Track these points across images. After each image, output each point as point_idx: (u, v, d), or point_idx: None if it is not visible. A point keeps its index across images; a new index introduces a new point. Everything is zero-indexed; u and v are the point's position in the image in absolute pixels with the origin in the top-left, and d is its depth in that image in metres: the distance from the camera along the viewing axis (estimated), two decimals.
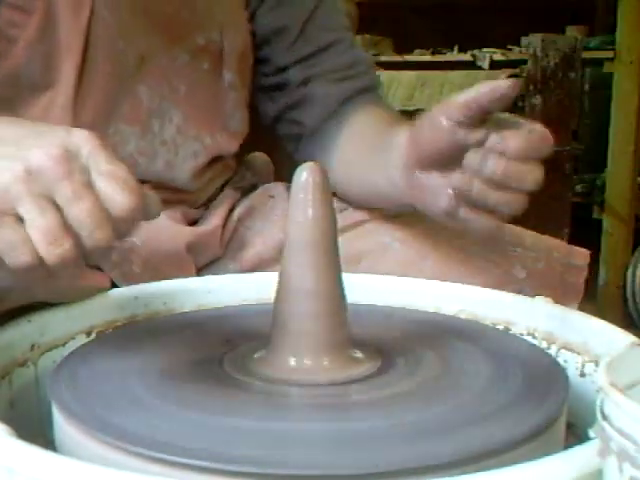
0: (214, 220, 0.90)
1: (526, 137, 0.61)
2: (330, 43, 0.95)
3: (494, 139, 0.61)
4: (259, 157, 1.06)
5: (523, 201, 0.63)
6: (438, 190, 0.65)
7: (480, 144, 0.62)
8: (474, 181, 0.63)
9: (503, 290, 0.76)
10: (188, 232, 0.86)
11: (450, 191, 0.62)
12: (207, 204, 0.94)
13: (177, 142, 0.86)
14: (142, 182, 0.82)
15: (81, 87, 0.77)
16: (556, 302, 0.71)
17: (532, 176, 0.62)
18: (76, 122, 0.77)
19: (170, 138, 0.85)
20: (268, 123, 0.99)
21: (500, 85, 0.60)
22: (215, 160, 0.92)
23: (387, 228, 0.87)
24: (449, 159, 0.64)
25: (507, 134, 0.61)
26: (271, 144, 1.05)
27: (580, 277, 0.83)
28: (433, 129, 0.65)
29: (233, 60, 0.90)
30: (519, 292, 0.78)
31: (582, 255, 0.85)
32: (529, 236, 0.86)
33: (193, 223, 0.91)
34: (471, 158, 0.62)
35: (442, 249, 0.84)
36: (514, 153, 0.60)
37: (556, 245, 0.86)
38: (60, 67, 0.76)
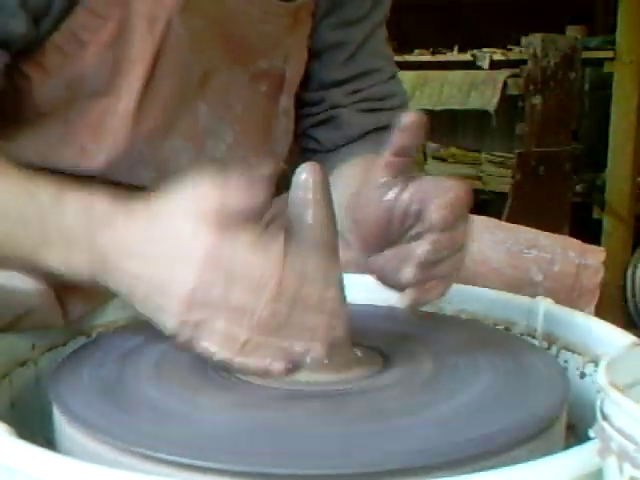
0: None
1: (448, 204, 0.59)
2: (375, 69, 0.97)
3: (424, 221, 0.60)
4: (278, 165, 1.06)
5: (461, 258, 0.62)
6: (396, 266, 0.62)
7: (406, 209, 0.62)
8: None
9: (520, 293, 0.76)
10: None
11: (409, 269, 0.59)
12: None
13: (226, 162, 0.85)
14: None
15: (145, 98, 0.76)
16: (572, 304, 0.71)
17: (462, 236, 0.61)
18: (134, 132, 0.76)
19: (220, 157, 0.85)
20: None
21: (408, 121, 0.60)
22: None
23: None
24: (390, 232, 0.64)
25: (429, 209, 0.59)
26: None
27: (595, 278, 0.83)
28: (366, 207, 0.65)
29: (292, 86, 0.91)
30: (535, 295, 0.78)
31: (596, 253, 0.85)
32: (543, 237, 0.86)
33: None
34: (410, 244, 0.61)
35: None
36: (441, 226, 0.59)
37: (571, 244, 0.86)
38: (127, 76, 0.75)
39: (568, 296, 0.80)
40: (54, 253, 0.59)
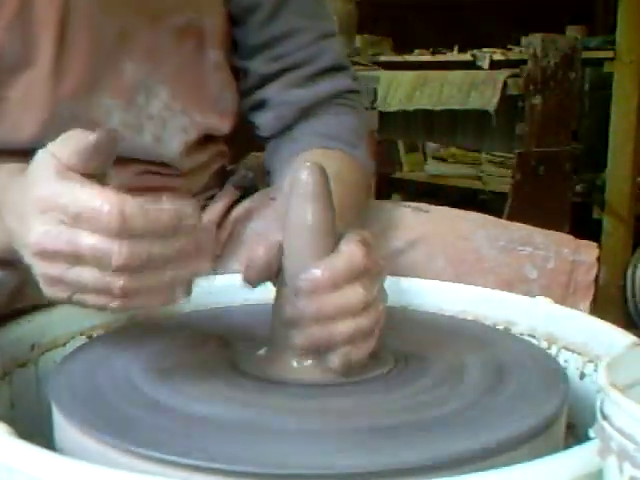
0: (209, 214, 0.90)
1: (330, 267, 0.56)
2: (298, 29, 0.92)
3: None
4: (258, 158, 1.05)
5: (367, 323, 0.57)
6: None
7: None
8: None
9: (514, 290, 0.76)
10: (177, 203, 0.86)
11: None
12: (203, 194, 0.93)
13: (164, 117, 0.85)
14: (129, 161, 0.83)
15: (61, 58, 0.77)
16: (567, 301, 0.71)
17: (352, 297, 0.57)
18: (57, 93, 0.77)
19: (157, 112, 0.85)
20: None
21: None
22: (207, 140, 0.91)
23: (395, 230, 0.87)
24: None
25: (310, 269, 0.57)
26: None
27: (590, 275, 0.83)
28: None
29: (215, 40, 0.89)
30: (529, 292, 0.78)
31: (590, 249, 0.85)
32: (537, 233, 0.86)
33: None
34: None
35: (451, 250, 0.83)
36: (318, 289, 0.56)
37: (564, 240, 0.86)
38: (39, 44, 0.77)
39: (563, 293, 0.80)
40: None
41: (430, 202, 0.94)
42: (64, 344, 0.68)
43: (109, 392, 0.55)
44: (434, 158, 3.10)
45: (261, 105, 0.94)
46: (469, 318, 0.74)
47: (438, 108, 2.73)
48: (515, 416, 0.51)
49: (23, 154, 0.78)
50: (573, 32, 2.80)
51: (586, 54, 2.61)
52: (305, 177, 0.58)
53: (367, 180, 0.92)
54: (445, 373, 0.59)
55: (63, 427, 0.52)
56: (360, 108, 0.98)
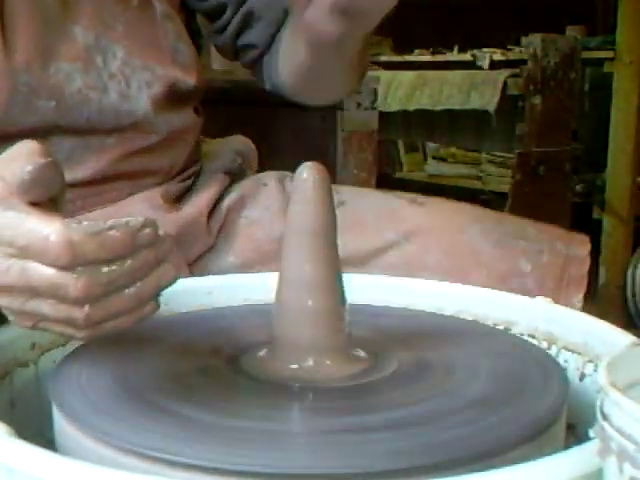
0: (199, 204, 0.89)
1: None
2: None
3: None
4: (244, 142, 1.04)
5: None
6: None
7: None
8: None
9: (508, 284, 0.76)
10: (170, 221, 0.85)
11: None
12: (183, 174, 0.92)
13: (126, 73, 0.85)
14: (100, 125, 0.82)
15: (6, 31, 0.77)
16: (560, 294, 0.71)
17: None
18: (10, 66, 0.77)
19: (117, 71, 0.85)
20: (232, 60, 0.99)
21: None
22: (175, 97, 0.90)
23: (390, 221, 0.87)
24: None
25: None
26: (257, 134, 1.05)
27: (582, 269, 0.83)
28: None
29: None
30: (523, 285, 0.78)
31: (583, 243, 0.85)
32: (531, 226, 0.86)
33: (175, 200, 0.90)
34: None
35: (445, 243, 0.84)
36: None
37: (558, 234, 0.86)
38: None
39: (556, 286, 0.81)
40: None
41: None
42: (64, 344, 0.67)
43: (109, 392, 0.55)
44: (434, 158, 3.11)
45: (247, 21, 0.94)
46: (469, 318, 0.74)
47: (438, 108, 2.73)
48: (515, 416, 0.51)
49: None
50: (573, 32, 2.80)
51: (586, 54, 2.61)
52: (305, 176, 0.58)
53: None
54: (444, 373, 0.59)
55: (63, 427, 0.52)
56: None
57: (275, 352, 0.59)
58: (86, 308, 0.48)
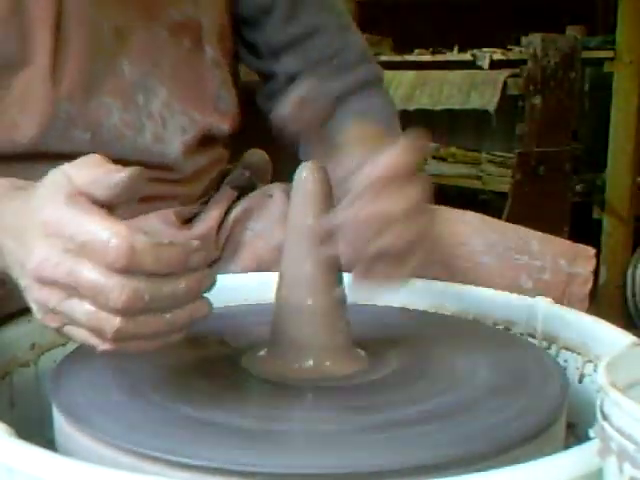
0: (209, 221, 0.89)
1: (375, 169, 0.54)
2: (320, 25, 0.93)
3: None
4: (258, 155, 1.05)
5: (411, 231, 0.55)
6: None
7: None
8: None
9: None
10: (181, 237, 0.85)
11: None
12: (201, 199, 0.93)
13: (164, 116, 0.85)
14: (131, 162, 0.83)
15: (57, 59, 0.77)
16: None
17: (400, 203, 0.54)
18: (55, 94, 0.77)
19: (156, 112, 0.85)
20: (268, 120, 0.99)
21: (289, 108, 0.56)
22: (207, 142, 0.91)
23: None
24: None
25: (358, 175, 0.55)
26: (271, 144, 1.05)
27: (584, 288, 0.82)
28: None
29: (213, 36, 0.89)
30: None
31: (587, 259, 0.84)
32: (535, 240, 0.85)
33: (187, 221, 0.90)
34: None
35: (447, 257, 0.83)
36: (368, 191, 0.54)
37: (562, 250, 0.85)
38: (35, 41, 0.77)
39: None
40: None
41: (430, 202, 0.94)
42: (64, 344, 0.67)
43: (109, 392, 0.55)
44: (434, 158, 3.10)
45: None
46: (469, 318, 0.74)
47: (438, 108, 2.73)
48: (515, 416, 0.51)
49: (23, 158, 0.78)
50: (573, 32, 2.79)
51: (586, 54, 2.60)
52: (305, 176, 0.58)
53: None
54: (444, 373, 0.59)
55: (63, 427, 0.52)
56: (387, 94, 0.99)
57: (275, 352, 0.59)
58: (118, 321, 0.47)
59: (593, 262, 0.84)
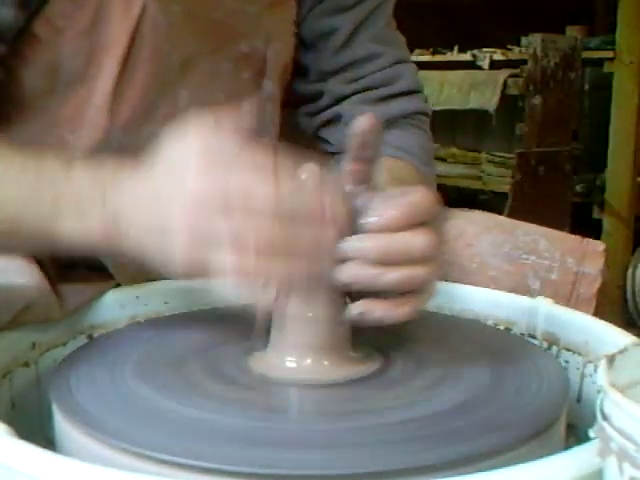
0: None
1: (400, 204, 0.55)
2: (374, 54, 0.94)
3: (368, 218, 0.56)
4: None
5: (424, 273, 0.55)
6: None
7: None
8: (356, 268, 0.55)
9: None
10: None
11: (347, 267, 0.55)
12: None
13: None
14: None
15: (120, 85, 0.76)
16: None
17: (419, 241, 0.54)
18: (110, 121, 0.76)
19: None
20: (309, 140, 0.99)
21: (362, 125, 0.57)
22: None
23: None
24: None
25: (380, 207, 0.56)
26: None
27: (592, 288, 0.82)
28: None
29: (275, 71, 0.89)
30: None
31: (596, 257, 0.84)
32: (544, 238, 0.85)
33: None
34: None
35: (456, 257, 0.83)
36: (388, 225, 0.55)
37: (571, 248, 0.84)
38: (102, 63, 0.75)
39: (564, 305, 0.80)
40: (67, 221, 0.58)
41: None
42: (64, 344, 0.68)
43: (109, 392, 0.55)
44: (434, 158, 3.10)
45: (333, 121, 0.95)
46: (469, 318, 0.74)
47: (438, 108, 2.73)
48: (515, 416, 0.51)
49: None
50: (573, 32, 2.79)
51: (586, 54, 2.61)
52: (305, 177, 0.58)
53: None
54: (445, 373, 0.59)
55: (63, 427, 0.52)
56: (428, 131, 0.99)
57: (274, 352, 0.59)
58: (261, 230, 0.51)
59: (602, 259, 0.84)
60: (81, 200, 0.58)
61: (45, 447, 0.44)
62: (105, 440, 0.48)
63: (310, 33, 0.93)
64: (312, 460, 0.46)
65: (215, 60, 0.83)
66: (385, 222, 0.54)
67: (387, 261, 0.54)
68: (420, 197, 0.55)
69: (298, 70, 0.96)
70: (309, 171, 0.58)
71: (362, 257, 0.54)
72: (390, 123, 0.93)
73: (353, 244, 0.54)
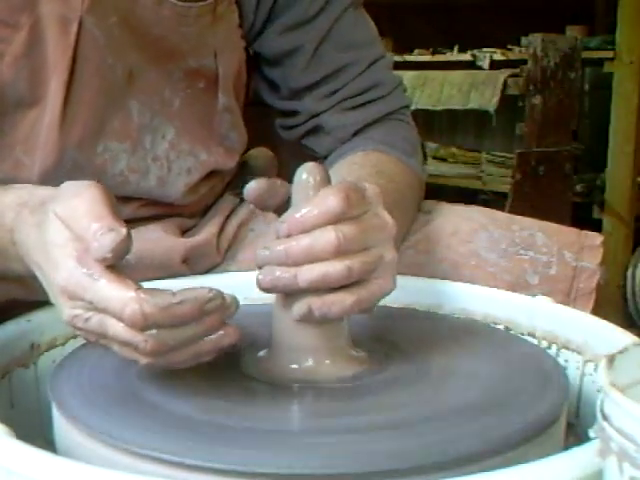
0: (210, 228, 0.88)
1: (302, 209, 0.55)
2: (345, 64, 0.91)
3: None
4: (262, 152, 1.04)
5: (342, 267, 0.54)
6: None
7: None
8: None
9: None
10: (182, 244, 0.84)
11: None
12: (204, 212, 0.93)
13: (170, 158, 0.83)
14: (133, 199, 0.83)
15: (69, 104, 0.75)
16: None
17: (325, 238, 0.54)
18: (63, 141, 0.76)
19: (163, 154, 0.83)
20: (290, 144, 0.99)
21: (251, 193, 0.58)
22: (211, 175, 0.89)
23: None
24: None
25: (288, 216, 0.56)
26: (274, 143, 1.04)
27: (591, 281, 0.82)
28: None
29: (228, 83, 0.87)
30: None
31: (594, 250, 0.84)
32: (541, 232, 0.84)
33: (187, 230, 0.90)
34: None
35: (453, 255, 0.83)
36: (292, 229, 0.55)
37: (568, 241, 0.84)
38: (47, 83, 0.75)
39: (564, 300, 0.80)
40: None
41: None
42: (64, 344, 0.68)
43: (109, 392, 0.55)
44: (434, 158, 3.10)
45: (316, 131, 0.94)
46: (468, 317, 0.74)
47: (438, 108, 2.73)
48: (515, 416, 0.51)
49: None
50: (573, 32, 2.79)
51: (586, 54, 2.61)
52: (306, 177, 0.58)
53: (421, 189, 0.92)
54: (444, 373, 0.59)
55: (63, 427, 0.52)
56: (411, 122, 0.97)
57: (275, 352, 0.59)
58: (148, 360, 0.53)
59: (600, 252, 0.83)
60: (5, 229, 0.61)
61: (44, 448, 0.44)
62: (105, 440, 0.48)
63: (272, 50, 0.91)
64: (312, 460, 0.46)
65: (164, 70, 0.82)
66: (288, 226, 0.55)
67: (298, 261, 0.54)
68: (324, 198, 0.55)
69: (269, 84, 0.94)
70: (309, 171, 0.58)
71: (273, 262, 0.55)
72: (373, 123, 0.93)
73: (261, 252, 0.56)
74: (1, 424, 0.46)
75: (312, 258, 0.54)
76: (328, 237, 0.53)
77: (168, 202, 0.86)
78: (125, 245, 0.52)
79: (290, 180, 0.59)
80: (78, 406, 0.52)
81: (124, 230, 0.52)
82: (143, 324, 0.50)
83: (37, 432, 0.58)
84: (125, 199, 0.82)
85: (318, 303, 0.55)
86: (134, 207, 0.84)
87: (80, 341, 0.68)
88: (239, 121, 0.90)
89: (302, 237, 0.54)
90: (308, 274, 0.54)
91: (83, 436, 0.50)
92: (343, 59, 0.90)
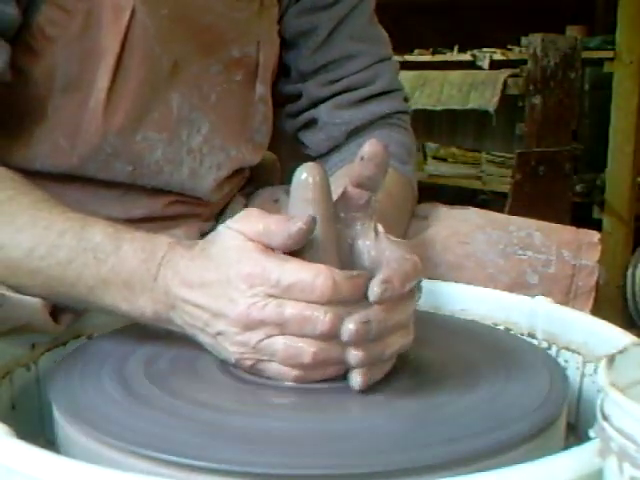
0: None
1: (392, 278, 0.54)
2: (353, 54, 0.93)
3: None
4: (266, 155, 1.05)
5: (402, 339, 0.56)
6: None
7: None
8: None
9: None
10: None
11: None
12: (217, 216, 0.94)
13: (203, 151, 0.85)
14: (163, 193, 0.83)
15: (114, 91, 0.77)
16: (568, 307, 0.70)
17: (403, 315, 0.55)
18: (105, 127, 0.77)
19: (197, 147, 0.85)
20: (289, 139, 1.00)
21: (371, 150, 0.57)
22: (236, 172, 0.92)
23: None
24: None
25: (372, 283, 0.54)
26: (275, 143, 1.05)
27: (591, 279, 0.82)
28: None
29: (267, 74, 0.90)
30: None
31: (592, 250, 0.84)
32: (538, 232, 0.84)
33: (205, 234, 0.91)
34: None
35: (451, 257, 0.83)
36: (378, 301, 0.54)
37: (566, 240, 0.84)
38: (95, 69, 0.76)
39: (564, 299, 0.80)
40: (112, 293, 0.60)
41: (430, 202, 0.94)
42: (64, 344, 0.68)
43: (109, 392, 0.55)
44: (434, 158, 3.10)
45: (311, 125, 0.95)
46: (469, 318, 0.74)
47: (438, 108, 2.73)
48: (515, 416, 0.51)
49: (56, 179, 0.77)
50: (573, 32, 2.79)
51: (586, 54, 2.61)
52: (305, 177, 0.58)
53: (414, 197, 0.93)
54: (444, 373, 0.59)
55: (63, 427, 0.52)
56: (409, 128, 0.99)
57: None
58: (317, 345, 0.53)
59: (598, 250, 0.84)
60: (133, 285, 0.59)
61: (45, 448, 0.44)
62: (105, 440, 0.48)
63: (290, 31, 0.93)
64: (313, 460, 0.46)
65: (206, 63, 0.84)
66: (377, 298, 0.53)
67: (384, 333, 0.54)
68: (411, 266, 0.55)
69: (281, 69, 0.96)
70: (309, 171, 0.58)
71: (364, 335, 0.54)
72: (369, 125, 0.93)
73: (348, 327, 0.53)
74: (2, 424, 0.46)
75: (397, 331, 0.55)
76: (409, 311, 0.56)
77: (197, 197, 0.87)
78: (306, 230, 0.53)
79: (289, 180, 0.59)
80: (78, 406, 0.52)
81: (302, 223, 0.53)
82: (333, 292, 0.51)
83: (38, 432, 0.59)
84: (156, 193, 0.84)
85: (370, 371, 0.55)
86: (163, 203, 0.85)
87: (80, 341, 0.68)
88: (270, 113, 0.93)
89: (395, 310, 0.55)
90: (394, 347, 0.55)
91: (83, 436, 0.50)
92: (352, 48, 0.93)
